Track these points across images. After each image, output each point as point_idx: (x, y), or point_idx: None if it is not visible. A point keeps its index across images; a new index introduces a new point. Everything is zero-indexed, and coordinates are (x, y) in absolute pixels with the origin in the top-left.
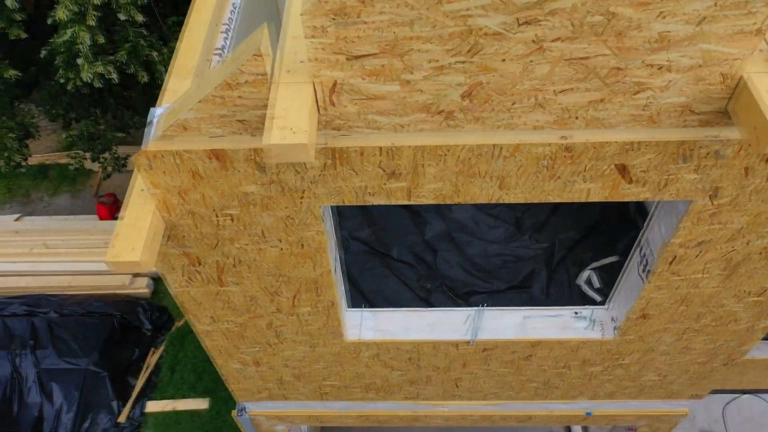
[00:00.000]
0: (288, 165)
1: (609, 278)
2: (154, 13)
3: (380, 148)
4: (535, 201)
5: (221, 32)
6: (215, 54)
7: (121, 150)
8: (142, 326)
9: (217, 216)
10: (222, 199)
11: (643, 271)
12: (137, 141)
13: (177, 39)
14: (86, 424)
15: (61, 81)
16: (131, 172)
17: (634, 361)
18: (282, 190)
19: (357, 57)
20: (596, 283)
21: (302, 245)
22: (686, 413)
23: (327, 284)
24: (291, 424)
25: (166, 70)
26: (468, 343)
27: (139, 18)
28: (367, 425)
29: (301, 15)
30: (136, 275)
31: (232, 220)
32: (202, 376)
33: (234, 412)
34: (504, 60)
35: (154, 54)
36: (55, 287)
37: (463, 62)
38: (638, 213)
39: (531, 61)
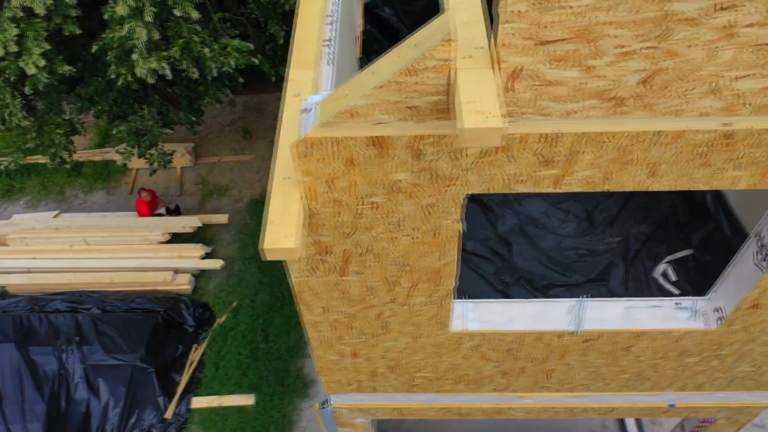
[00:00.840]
0: (445, 152)
1: (684, 271)
2: (205, 9)
3: (544, 135)
4: (681, 188)
5: (327, 24)
6: (324, 45)
7: (166, 146)
8: (185, 322)
9: (360, 204)
10: (369, 187)
11: (763, 260)
12: (180, 137)
13: (229, 35)
14: (132, 420)
15: (112, 77)
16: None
17: (732, 352)
18: (432, 178)
19: (546, 42)
20: (672, 277)
21: (435, 234)
22: None
23: (449, 274)
24: (372, 416)
25: (216, 67)
26: (572, 333)
27: (195, 15)
28: (446, 418)
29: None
30: (177, 272)
31: (374, 208)
32: (247, 372)
33: (316, 405)
34: (690, 46)
35: (206, 50)
36: (96, 284)
37: (650, 48)
38: (718, 205)
39: (716, 47)
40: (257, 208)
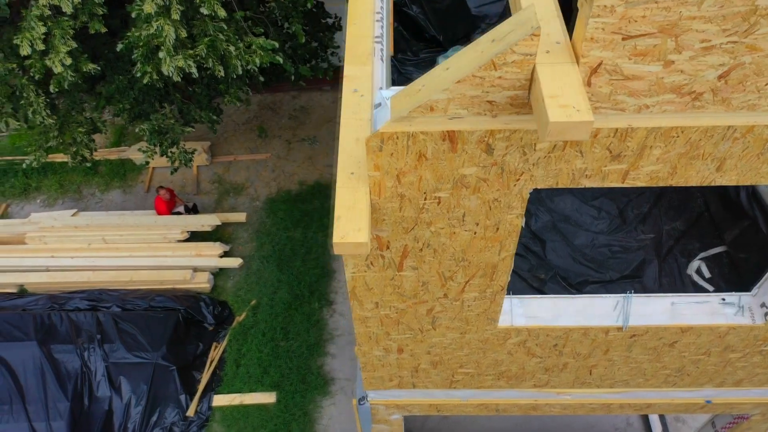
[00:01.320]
0: (516, 147)
1: (718, 268)
2: (231, 7)
3: (615, 130)
4: (745, 183)
5: (377, 21)
6: (376, 42)
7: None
8: (205, 321)
9: (425, 199)
10: (436, 182)
11: None
12: (196, 136)
13: (254, 33)
14: (154, 418)
15: (137, 75)
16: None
17: None
18: (501, 173)
19: (631, 37)
20: (706, 273)
21: (497, 228)
22: None
23: (504, 269)
24: (408, 413)
25: (241, 65)
26: (619, 329)
27: (222, 13)
28: (482, 414)
29: None
30: (195, 270)
31: (439, 203)
32: (268, 369)
33: (354, 401)
34: None
35: (231, 48)
36: (116, 282)
37: (732, 43)
38: (753, 203)
39: None
40: (274, 206)
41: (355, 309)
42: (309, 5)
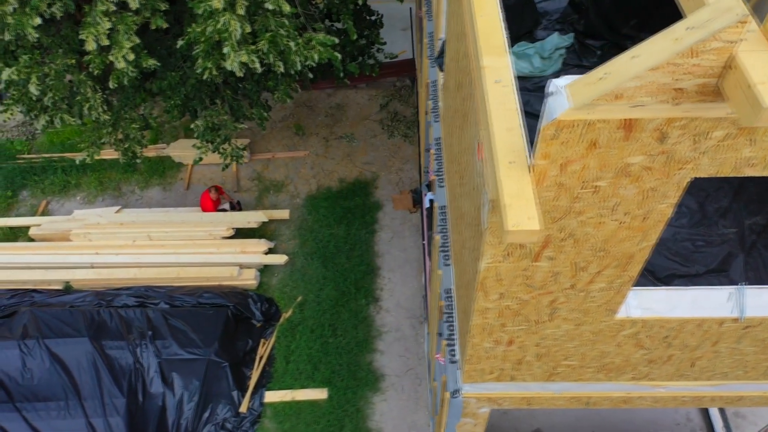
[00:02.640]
0: (689, 135)
1: None
2: (293, 2)
3: None
4: None
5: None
6: None
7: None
8: (253, 317)
9: (582, 188)
10: (599, 171)
11: None
12: (239, 133)
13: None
14: (206, 414)
15: (198, 70)
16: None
17: None
18: (666, 161)
19: None
20: None
21: (645, 218)
22: None
23: (640, 259)
24: (498, 406)
25: (300, 61)
26: (735, 320)
27: (287, 8)
28: (572, 407)
29: None
30: (241, 267)
31: (595, 192)
32: (318, 366)
33: (447, 394)
34: None
35: (291, 44)
36: (162, 279)
37: None
38: None
39: None
40: (315, 204)
41: (478, 300)
42: (360, 2)
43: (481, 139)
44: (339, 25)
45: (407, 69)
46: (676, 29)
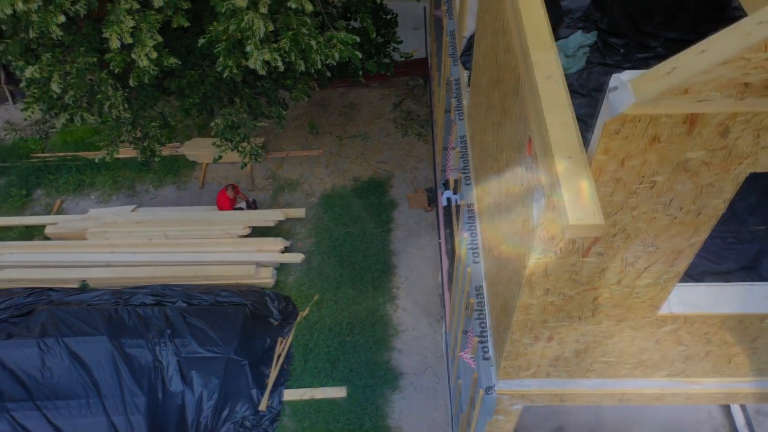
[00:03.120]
0: (751, 130)
1: None
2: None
3: None
4: None
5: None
6: None
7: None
8: (271, 315)
9: (639, 183)
10: (658, 166)
11: None
12: (263, 131)
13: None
14: (225, 412)
15: (219, 69)
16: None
17: None
18: (726, 156)
19: None
20: None
21: (699, 213)
22: None
23: (690, 255)
24: (531, 403)
25: (321, 60)
26: None
27: (309, 7)
28: (603, 404)
29: None
30: (258, 265)
31: (652, 187)
32: (337, 364)
33: (482, 392)
34: None
35: (312, 42)
36: (179, 277)
37: None
38: None
39: None
40: (330, 202)
41: (523, 296)
42: (378, 1)
43: (532, 135)
44: (355, 24)
45: (420, 68)
46: (746, 24)
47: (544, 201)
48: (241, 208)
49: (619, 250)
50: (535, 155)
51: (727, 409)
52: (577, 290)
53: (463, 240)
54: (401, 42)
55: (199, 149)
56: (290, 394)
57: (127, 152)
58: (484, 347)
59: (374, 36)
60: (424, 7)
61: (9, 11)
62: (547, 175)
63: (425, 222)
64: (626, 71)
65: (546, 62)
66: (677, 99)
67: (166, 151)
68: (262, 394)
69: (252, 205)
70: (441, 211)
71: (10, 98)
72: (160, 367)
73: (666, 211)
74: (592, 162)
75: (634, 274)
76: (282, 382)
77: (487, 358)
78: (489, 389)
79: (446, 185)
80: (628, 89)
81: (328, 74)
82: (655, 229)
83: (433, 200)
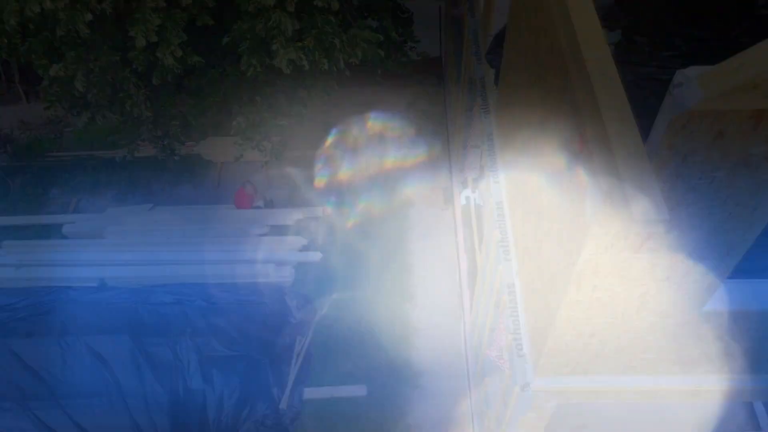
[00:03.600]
0: None
1: None
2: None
3: None
4: None
5: None
6: None
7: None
8: (290, 314)
9: (699, 179)
10: (720, 161)
11: None
12: (278, 130)
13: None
14: (246, 410)
15: (243, 67)
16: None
17: None
18: None
19: None
20: None
21: (756, 209)
22: None
23: (742, 250)
24: (566, 400)
25: (342, 58)
26: None
27: (336, 6)
28: (639, 401)
29: None
30: (277, 264)
31: (711, 182)
32: (357, 363)
33: (516, 388)
34: None
35: (336, 41)
36: (198, 276)
37: None
38: None
39: None
40: (347, 201)
41: (570, 292)
42: None
43: (585, 131)
44: (372, 23)
45: (434, 66)
46: None
47: (601, 196)
48: (259, 207)
49: (672, 246)
50: (588, 151)
51: (750, 406)
52: (624, 286)
53: (491, 238)
54: (419, 41)
55: (214, 148)
56: (310, 393)
57: (142, 151)
58: (518, 345)
59: (393, 34)
60: (439, 6)
61: (37, 9)
62: (605, 170)
63: (442, 221)
64: (691, 67)
65: (599, 59)
66: (749, 95)
67: (181, 151)
68: (283, 393)
69: (269, 204)
70: (458, 210)
71: (24, 97)
72: (181, 365)
73: (723, 206)
74: (654, 157)
75: (683, 270)
76: (302, 380)
77: (522, 356)
78: (525, 386)
79: (464, 184)
80: (695, 85)
81: (348, 73)
82: (709, 225)
83: (449, 199)
